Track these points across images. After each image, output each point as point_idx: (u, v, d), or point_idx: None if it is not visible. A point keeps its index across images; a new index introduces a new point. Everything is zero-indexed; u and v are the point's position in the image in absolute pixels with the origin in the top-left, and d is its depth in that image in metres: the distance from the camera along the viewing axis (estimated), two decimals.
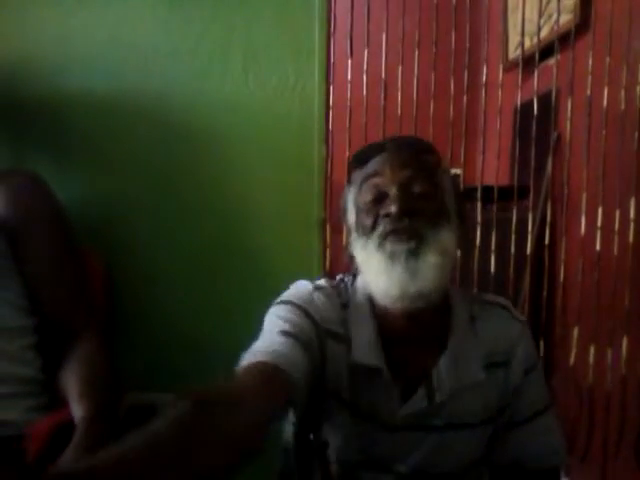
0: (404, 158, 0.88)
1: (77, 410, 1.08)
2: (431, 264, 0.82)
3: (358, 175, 0.91)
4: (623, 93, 1.76)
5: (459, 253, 1.20)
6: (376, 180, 0.87)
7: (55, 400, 1.20)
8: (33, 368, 1.20)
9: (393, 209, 0.83)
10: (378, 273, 0.85)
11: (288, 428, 0.99)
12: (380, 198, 0.87)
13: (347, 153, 1.86)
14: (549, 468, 0.96)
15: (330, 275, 1.08)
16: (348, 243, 0.93)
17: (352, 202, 0.92)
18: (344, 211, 0.95)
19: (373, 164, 0.89)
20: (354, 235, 0.91)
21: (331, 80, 1.56)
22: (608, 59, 1.81)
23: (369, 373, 0.87)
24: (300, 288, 0.95)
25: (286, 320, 0.87)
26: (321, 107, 1.49)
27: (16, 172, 1.29)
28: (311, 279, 0.97)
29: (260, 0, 1.49)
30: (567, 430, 2.02)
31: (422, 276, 0.82)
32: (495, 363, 0.91)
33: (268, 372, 0.75)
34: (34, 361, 1.21)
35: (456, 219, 0.89)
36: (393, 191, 0.85)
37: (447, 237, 0.85)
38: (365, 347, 0.87)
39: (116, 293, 1.47)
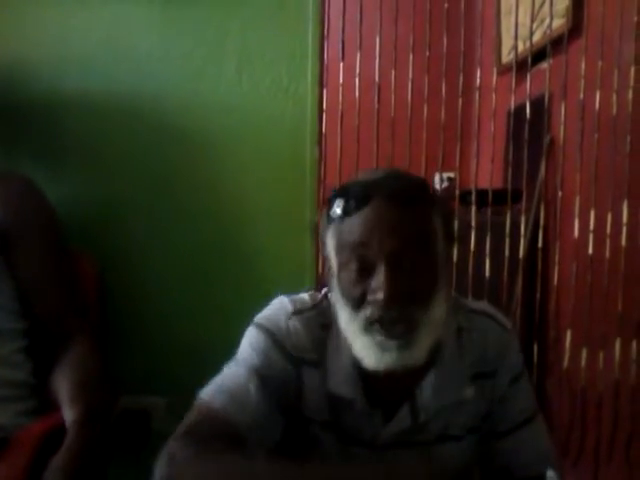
0: (393, 221, 0.77)
1: (68, 413, 1.08)
2: (426, 345, 0.80)
3: (340, 227, 0.81)
4: (615, 97, 1.77)
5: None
6: (361, 250, 0.78)
7: (45, 404, 1.20)
8: (23, 372, 1.20)
9: (380, 296, 0.76)
10: (363, 351, 0.81)
11: None
12: (366, 267, 0.78)
13: (339, 156, 1.86)
14: (536, 475, 0.94)
15: (321, 278, 1.07)
16: (329, 280, 0.87)
17: (333, 249, 0.83)
18: (323, 243, 0.87)
19: (357, 223, 0.79)
20: (336, 286, 0.83)
21: (324, 83, 1.56)
22: (600, 63, 1.82)
23: (345, 401, 0.86)
24: (277, 311, 0.91)
25: (256, 351, 0.87)
26: (314, 109, 1.49)
27: (9, 176, 1.29)
28: (303, 283, 0.96)
29: (254, 3, 1.49)
30: (560, 434, 2.02)
31: (414, 358, 0.79)
32: (482, 373, 0.89)
33: (218, 431, 0.79)
34: (24, 365, 1.20)
35: (445, 261, 0.83)
36: (381, 269, 0.76)
37: (441, 307, 0.80)
38: (340, 377, 0.86)
39: (110, 296, 1.46)
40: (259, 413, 0.82)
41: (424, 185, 0.83)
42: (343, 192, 0.82)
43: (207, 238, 1.52)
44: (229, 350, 0.93)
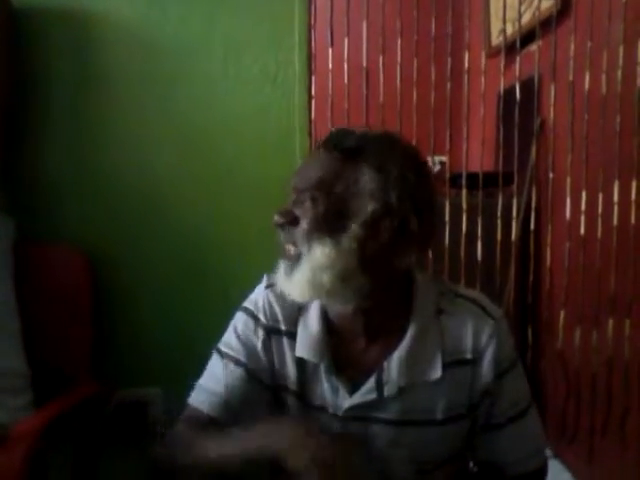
0: (310, 163, 0.86)
1: None
2: (302, 280, 0.81)
3: None
4: (604, 77, 1.77)
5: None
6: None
7: (41, 397, 1.20)
8: (19, 361, 1.20)
9: (274, 219, 0.84)
10: None
11: None
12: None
13: None
14: (528, 472, 0.93)
15: None
16: None
17: None
18: None
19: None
20: None
21: (313, 70, 1.55)
22: (589, 44, 1.82)
23: (313, 367, 0.88)
24: (258, 289, 0.96)
25: (235, 332, 0.93)
26: (303, 97, 1.49)
27: None
28: None
29: None
30: (555, 412, 2.05)
31: (295, 288, 0.83)
32: (460, 360, 0.87)
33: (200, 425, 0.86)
34: (19, 353, 1.20)
35: (360, 227, 0.80)
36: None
37: (323, 251, 0.80)
38: (308, 342, 0.88)
39: (103, 291, 1.47)
40: (236, 400, 0.88)
41: (360, 142, 0.83)
42: None
43: (197, 231, 1.52)
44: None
